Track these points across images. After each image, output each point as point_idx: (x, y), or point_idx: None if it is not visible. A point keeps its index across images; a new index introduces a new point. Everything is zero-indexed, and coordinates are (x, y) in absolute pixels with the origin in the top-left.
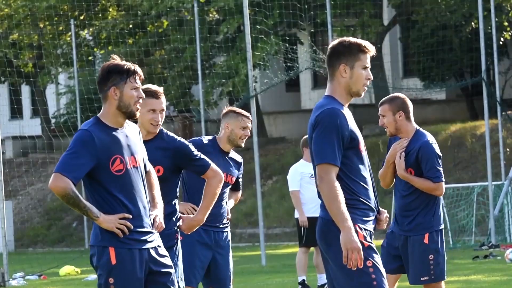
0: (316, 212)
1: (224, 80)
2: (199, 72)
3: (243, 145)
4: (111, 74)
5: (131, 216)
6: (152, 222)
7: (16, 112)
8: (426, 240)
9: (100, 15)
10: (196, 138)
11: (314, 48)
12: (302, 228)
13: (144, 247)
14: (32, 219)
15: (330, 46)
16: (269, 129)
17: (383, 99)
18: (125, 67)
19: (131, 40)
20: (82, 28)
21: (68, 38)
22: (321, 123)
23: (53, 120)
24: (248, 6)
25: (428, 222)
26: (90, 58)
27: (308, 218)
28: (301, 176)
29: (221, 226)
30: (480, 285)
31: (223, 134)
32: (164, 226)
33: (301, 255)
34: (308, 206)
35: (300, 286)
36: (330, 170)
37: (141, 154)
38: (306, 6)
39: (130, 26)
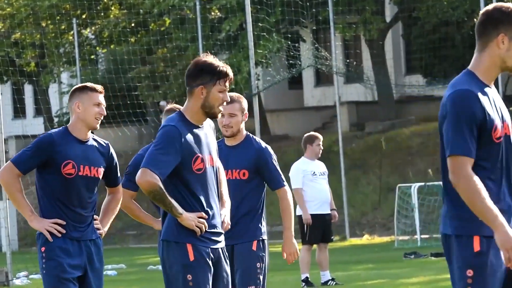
0: (319, 210)
1: None
2: None
3: (98, 126)
4: (202, 72)
5: (207, 217)
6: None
7: (19, 111)
8: None
9: (102, 13)
10: (43, 135)
11: (316, 45)
12: (305, 226)
13: (215, 246)
14: None
15: (484, 11)
16: (271, 127)
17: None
18: (217, 68)
19: (133, 38)
20: (84, 27)
21: (71, 37)
22: (451, 108)
23: (56, 119)
24: (250, 4)
25: None
26: (92, 57)
27: (311, 215)
28: (303, 173)
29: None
30: None
31: (74, 117)
32: (229, 227)
33: (304, 252)
34: (311, 204)
35: (303, 284)
36: (465, 163)
37: (216, 152)
38: (308, 4)
39: (132, 24)
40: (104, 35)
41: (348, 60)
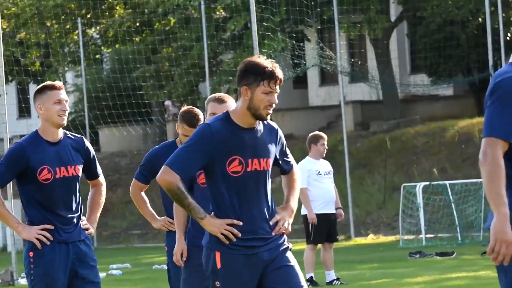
0: (324, 209)
1: (231, 78)
2: (206, 70)
3: (64, 122)
4: (247, 72)
5: (241, 223)
6: (275, 225)
7: (24, 111)
8: None
9: (107, 13)
10: (13, 145)
11: (321, 45)
12: (310, 225)
13: (253, 252)
14: None
15: None
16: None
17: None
18: (262, 69)
19: (138, 38)
20: (89, 26)
21: (75, 37)
22: (497, 92)
23: None
24: (254, 3)
25: None
26: (97, 56)
27: (316, 215)
28: (308, 173)
29: None
30: (488, 280)
31: (40, 119)
32: (288, 231)
33: (309, 252)
34: (316, 203)
35: (308, 283)
36: (496, 145)
37: (272, 156)
38: (312, 3)
39: (137, 24)
40: (109, 35)
41: (352, 60)
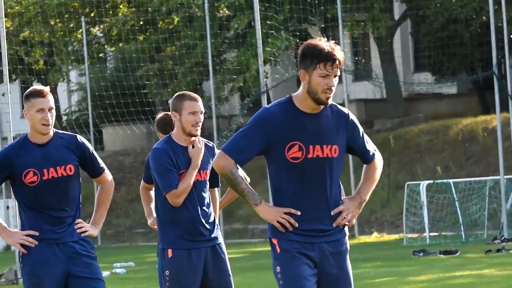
0: None
1: (235, 76)
2: (210, 68)
3: (48, 131)
4: (304, 56)
5: (298, 213)
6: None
7: None
8: None
9: (110, 12)
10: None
11: None
12: None
13: (310, 242)
14: None
15: None
16: None
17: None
18: (318, 51)
19: (142, 36)
20: (93, 25)
21: (79, 35)
22: None
23: (64, 118)
24: (258, 1)
25: None
26: (101, 55)
27: None
28: None
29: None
30: (492, 279)
31: (30, 126)
32: (351, 223)
33: None
34: None
35: None
36: None
37: (341, 143)
38: (316, 1)
39: (141, 22)
40: (113, 33)
41: (356, 58)
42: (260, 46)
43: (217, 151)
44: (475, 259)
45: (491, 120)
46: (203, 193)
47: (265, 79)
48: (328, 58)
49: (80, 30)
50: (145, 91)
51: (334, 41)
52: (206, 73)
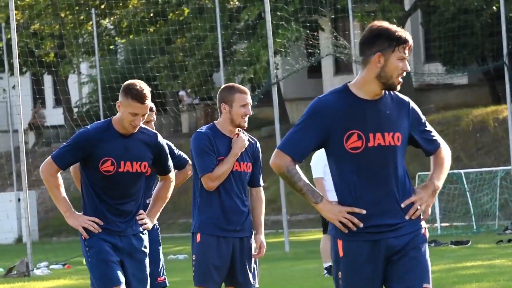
0: None
1: (245, 67)
2: (220, 60)
3: (133, 130)
4: (379, 38)
5: (364, 212)
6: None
7: (38, 102)
8: None
9: (120, 4)
10: (81, 130)
11: (335, 34)
12: None
13: (378, 239)
14: (56, 208)
15: None
16: (291, 116)
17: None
18: (396, 33)
19: (152, 28)
20: (103, 17)
21: (89, 28)
22: None
23: (75, 110)
24: None
25: None
26: (111, 47)
27: None
28: (324, 162)
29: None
30: (504, 269)
31: (119, 113)
32: (427, 213)
33: (325, 241)
34: (332, 193)
35: (325, 271)
36: None
37: (404, 131)
38: None
39: (151, 14)
40: (123, 25)
41: None
42: (270, 37)
43: (259, 147)
44: (486, 249)
45: (502, 110)
46: (240, 185)
47: (275, 70)
48: (406, 40)
49: (91, 22)
50: (155, 82)
51: (344, 32)
52: (216, 65)
